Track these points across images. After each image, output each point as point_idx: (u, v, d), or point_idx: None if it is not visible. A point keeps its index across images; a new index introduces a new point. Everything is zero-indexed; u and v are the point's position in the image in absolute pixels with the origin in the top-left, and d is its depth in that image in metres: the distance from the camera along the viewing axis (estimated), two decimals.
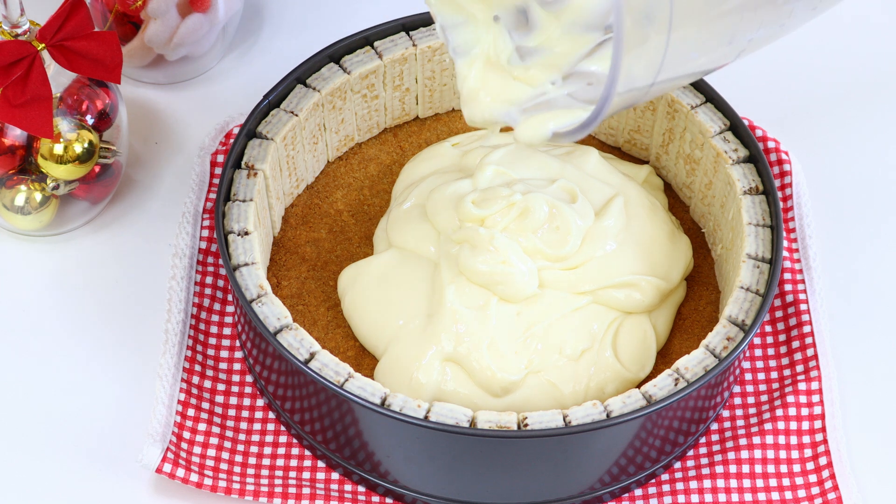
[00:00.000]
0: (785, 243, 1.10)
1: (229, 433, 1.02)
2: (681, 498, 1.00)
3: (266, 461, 1.01)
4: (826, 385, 1.04)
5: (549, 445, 0.94)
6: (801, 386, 1.04)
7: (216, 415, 1.02)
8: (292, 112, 1.07)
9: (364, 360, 1.02)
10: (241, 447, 1.01)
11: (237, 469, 1.00)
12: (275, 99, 1.07)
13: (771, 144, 1.15)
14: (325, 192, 1.11)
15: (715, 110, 1.07)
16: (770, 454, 1.01)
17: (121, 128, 1.10)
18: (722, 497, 1.00)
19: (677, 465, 1.02)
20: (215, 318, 1.07)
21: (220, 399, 1.03)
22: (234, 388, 1.04)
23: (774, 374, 1.05)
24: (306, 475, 1.00)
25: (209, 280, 1.08)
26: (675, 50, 0.72)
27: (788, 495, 1.00)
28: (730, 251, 1.05)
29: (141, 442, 1.00)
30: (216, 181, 1.13)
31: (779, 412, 1.03)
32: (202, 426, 1.01)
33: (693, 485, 1.00)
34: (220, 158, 1.14)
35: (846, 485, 0.99)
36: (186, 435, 1.01)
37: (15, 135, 1.06)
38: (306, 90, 1.08)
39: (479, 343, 0.98)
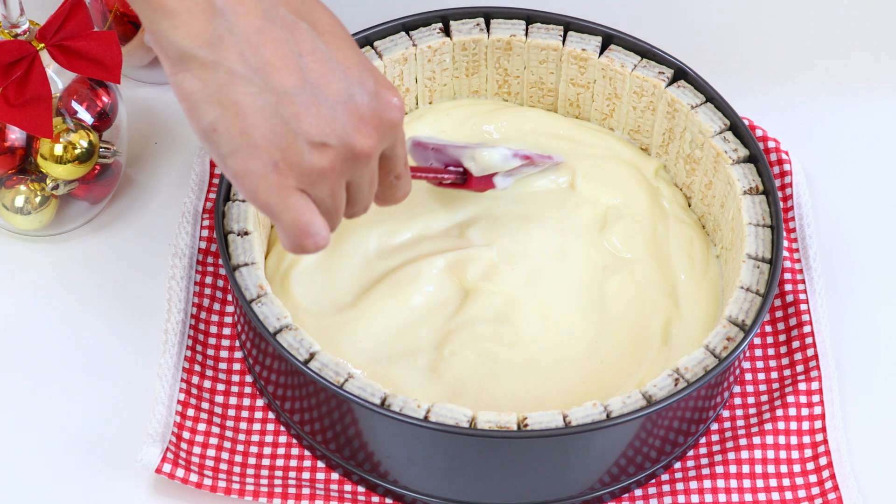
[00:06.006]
0: (785, 243, 1.10)
1: (229, 433, 1.02)
2: (681, 498, 1.00)
3: (266, 461, 1.01)
4: (826, 385, 1.04)
5: (549, 445, 0.94)
6: (801, 386, 1.04)
7: (216, 415, 1.02)
8: None
9: None
10: (240, 447, 1.01)
11: (237, 469, 1.00)
12: None
13: (771, 144, 1.15)
14: None
15: (715, 110, 1.07)
16: (770, 454, 1.01)
17: (120, 128, 1.10)
18: (722, 497, 1.00)
19: (677, 465, 1.02)
20: (215, 318, 1.07)
21: (219, 399, 1.03)
22: (234, 388, 1.04)
23: (774, 374, 1.05)
24: (306, 475, 1.00)
25: (209, 280, 1.08)
26: None
27: (788, 495, 1.00)
28: (730, 251, 1.05)
29: (141, 442, 1.00)
30: (216, 181, 1.13)
31: (779, 412, 1.03)
32: (202, 426, 1.01)
33: (693, 485, 1.00)
34: None
35: (846, 485, 0.99)
36: (186, 435, 1.01)
37: (15, 135, 1.06)
38: None
39: None
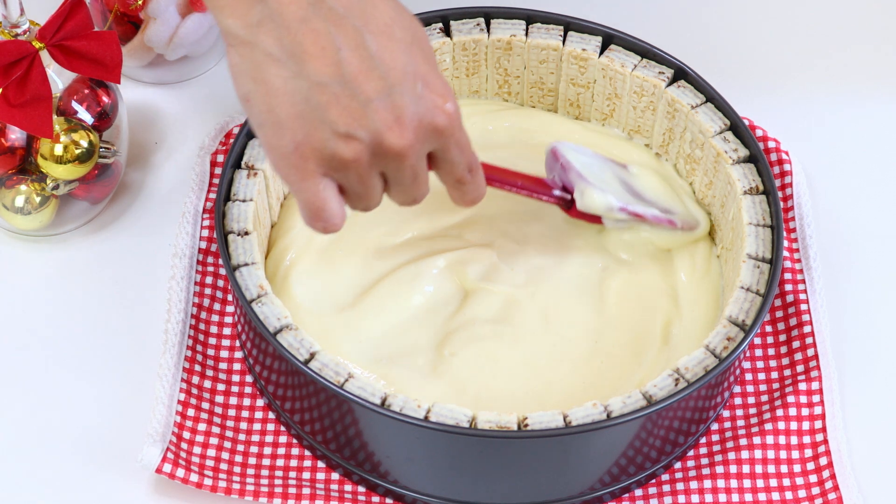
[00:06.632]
0: (785, 243, 1.10)
1: (229, 433, 1.02)
2: (681, 498, 1.00)
3: (266, 461, 1.01)
4: (826, 385, 1.04)
5: (549, 445, 0.94)
6: (802, 386, 1.04)
7: (216, 415, 1.02)
8: None
9: None
10: (241, 447, 1.01)
11: (237, 469, 1.00)
12: None
13: (771, 144, 1.15)
14: None
15: (715, 110, 1.07)
16: (770, 454, 1.01)
17: (121, 128, 1.10)
18: (722, 497, 1.00)
19: (677, 465, 1.02)
20: (215, 318, 1.07)
21: (220, 399, 1.03)
22: (234, 388, 1.04)
23: (775, 374, 1.05)
24: (306, 475, 1.00)
25: (209, 280, 1.08)
26: None
27: (789, 495, 1.00)
28: (730, 251, 1.05)
29: (141, 442, 1.00)
30: (216, 181, 1.13)
31: (779, 412, 1.03)
32: (202, 426, 1.01)
33: (693, 485, 1.00)
34: (220, 158, 1.14)
35: (846, 485, 0.99)
36: (186, 435, 1.01)
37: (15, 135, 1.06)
38: None
39: None
